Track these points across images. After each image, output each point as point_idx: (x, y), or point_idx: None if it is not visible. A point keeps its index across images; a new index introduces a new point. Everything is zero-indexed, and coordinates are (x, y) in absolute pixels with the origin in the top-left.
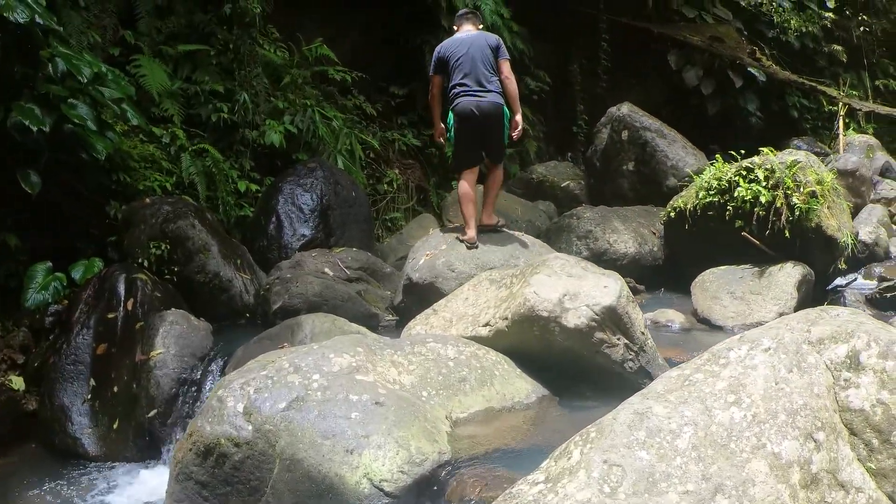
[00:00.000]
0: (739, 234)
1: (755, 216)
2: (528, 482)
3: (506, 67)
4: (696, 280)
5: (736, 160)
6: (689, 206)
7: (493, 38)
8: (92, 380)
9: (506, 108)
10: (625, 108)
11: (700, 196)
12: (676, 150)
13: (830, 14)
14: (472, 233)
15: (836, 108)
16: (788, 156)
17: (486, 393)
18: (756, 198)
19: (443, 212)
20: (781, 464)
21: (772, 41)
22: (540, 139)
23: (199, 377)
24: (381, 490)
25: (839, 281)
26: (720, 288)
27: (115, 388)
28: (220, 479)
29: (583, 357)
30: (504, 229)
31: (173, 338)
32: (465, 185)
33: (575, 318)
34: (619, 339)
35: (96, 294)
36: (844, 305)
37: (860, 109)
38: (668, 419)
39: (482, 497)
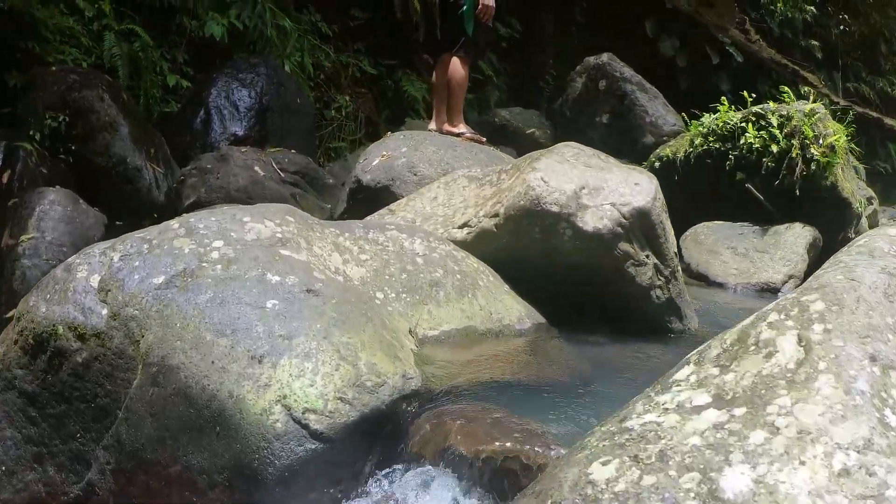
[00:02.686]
0: (737, 188)
1: (763, 168)
2: (665, 408)
3: None
4: (688, 233)
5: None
6: (680, 155)
7: None
8: None
9: None
10: (605, 57)
11: (697, 143)
12: (657, 106)
13: (812, 8)
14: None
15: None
16: (804, 105)
17: (466, 306)
18: (766, 147)
19: None
20: None
21: (753, 22)
22: (503, 89)
23: None
24: (306, 426)
25: None
26: (718, 242)
27: None
28: (54, 390)
29: (597, 276)
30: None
31: (52, 221)
32: (466, 75)
33: (595, 218)
34: (648, 258)
35: None
36: None
37: (838, 103)
38: None
39: (474, 451)
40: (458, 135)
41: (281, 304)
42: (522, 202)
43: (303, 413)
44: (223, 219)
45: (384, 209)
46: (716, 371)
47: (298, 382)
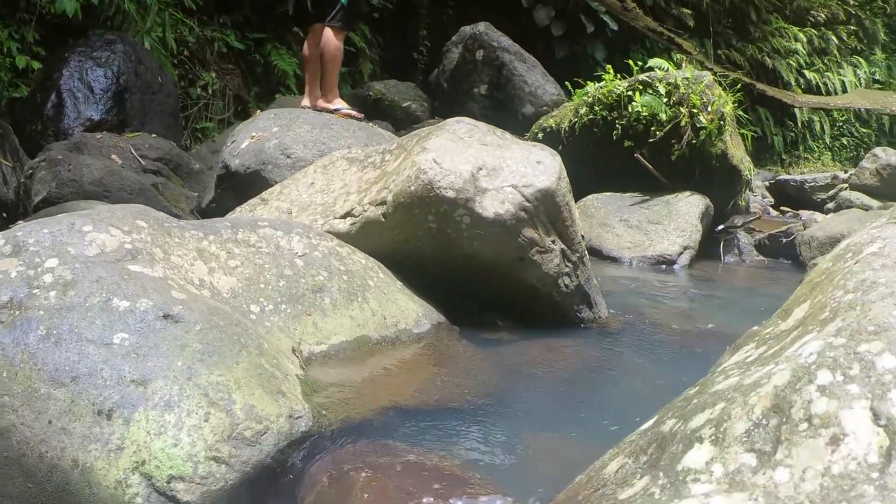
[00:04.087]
0: (626, 158)
1: (650, 136)
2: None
3: None
4: (577, 205)
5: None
6: (564, 126)
7: None
8: None
9: None
10: (482, 26)
11: (582, 113)
12: (536, 76)
13: None
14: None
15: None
16: (689, 72)
17: (355, 313)
18: (654, 115)
19: None
20: None
21: None
22: (376, 62)
23: None
24: (173, 499)
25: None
26: (609, 215)
27: None
28: None
29: (499, 266)
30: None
31: None
32: (340, 46)
33: (496, 203)
34: (554, 243)
35: None
36: (739, 249)
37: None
38: None
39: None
40: (333, 111)
41: (132, 339)
42: (413, 187)
43: (168, 482)
44: (58, 230)
45: (255, 198)
46: (753, 461)
47: (159, 442)
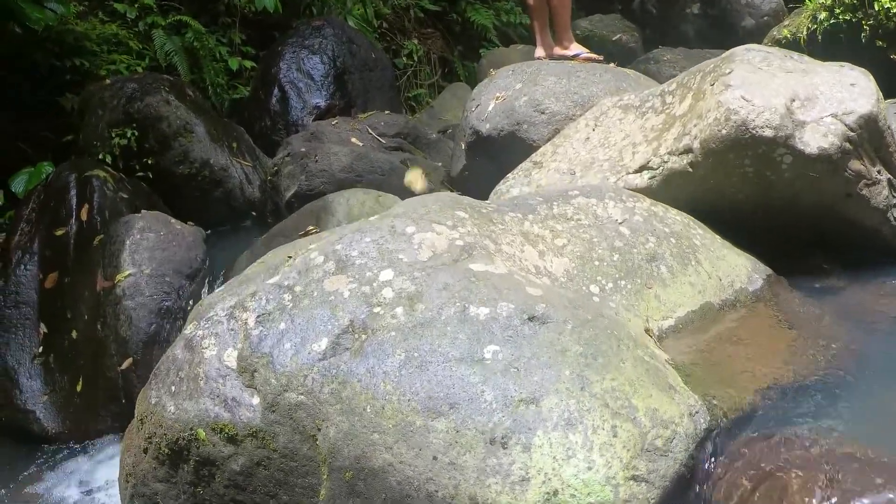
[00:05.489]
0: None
1: None
2: None
3: None
4: None
5: None
6: (803, 34)
7: None
8: (42, 325)
9: None
10: None
11: (822, 18)
12: None
13: None
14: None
15: None
16: None
17: (693, 278)
18: None
19: (480, 77)
20: None
21: None
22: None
23: (190, 302)
24: None
25: None
26: None
27: (74, 334)
28: None
29: (821, 206)
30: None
31: (146, 251)
32: None
33: (818, 136)
34: (880, 173)
35: (41, 207)
36: None
37: None
38: None
39: None
40: (572, 57)
41: (505, 350)
42: (724, 130)
43: None
44: (380, 236)
45: (526, 162)
46: None
47: (570, 467)
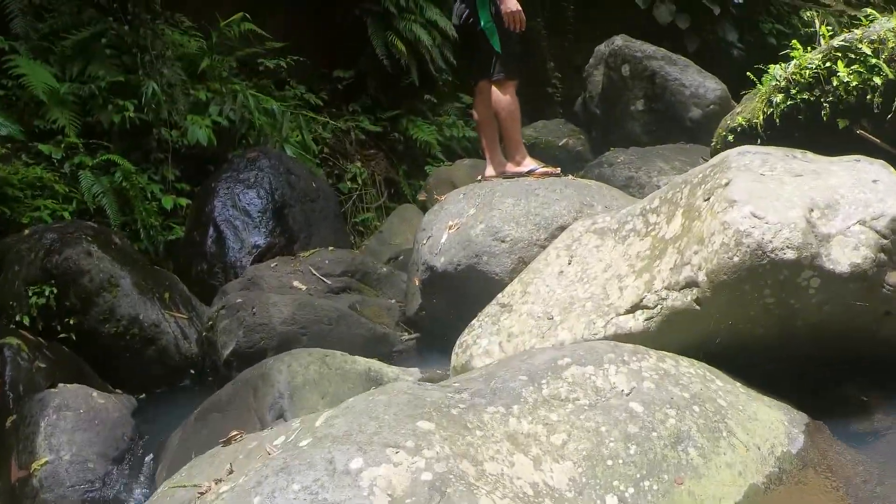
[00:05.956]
0: (840, 137)
1: (869, 106)
2: None
3: None
4: None
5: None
6: (759, 120)
7: None
8: None
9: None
10: (619, 41)
11: (778, 101)
12: (692, 75)
13: None
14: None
15: (811, 28)
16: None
17: (729, 456)
18: (866, 81)
19: (428, 197)
20: None
21: None
22: None
23: (118, 491)
24: None
25: None
26: None
27: None
28: None
29: (853, 330)
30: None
31: (64, 433)
32: (513, 99)
33: (848, 250)
34: None
35: None
36: None
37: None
38: None
39: None
40: (526, 173)
41: None
42: (736, 258)
43: None
44: (314, 479)
45: (493, 305)
46: None
47: None
